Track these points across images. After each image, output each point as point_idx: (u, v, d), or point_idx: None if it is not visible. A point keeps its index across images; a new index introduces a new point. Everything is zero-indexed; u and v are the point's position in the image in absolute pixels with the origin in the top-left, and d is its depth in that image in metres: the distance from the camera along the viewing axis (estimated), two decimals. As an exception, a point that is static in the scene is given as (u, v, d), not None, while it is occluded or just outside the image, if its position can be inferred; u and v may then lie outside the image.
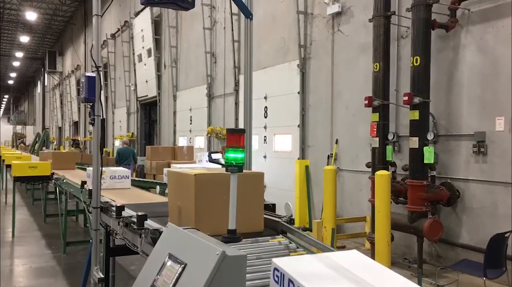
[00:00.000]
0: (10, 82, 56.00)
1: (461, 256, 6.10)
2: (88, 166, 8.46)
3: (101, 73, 4.11)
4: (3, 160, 15.08)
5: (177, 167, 8.07)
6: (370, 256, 6.66)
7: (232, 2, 4.00)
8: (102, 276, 3.90)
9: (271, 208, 6.22)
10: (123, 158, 12.11)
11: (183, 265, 1.90)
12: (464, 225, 6.29)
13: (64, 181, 7.36)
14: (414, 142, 6.22)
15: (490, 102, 5.99)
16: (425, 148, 6.13)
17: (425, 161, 6.13)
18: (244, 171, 3.36)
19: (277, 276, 1.83)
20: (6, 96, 65.58)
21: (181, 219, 3.21)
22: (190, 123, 14.66)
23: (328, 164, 8.43)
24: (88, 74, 4.05)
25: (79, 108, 30.22)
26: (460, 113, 6.37)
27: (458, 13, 6.36)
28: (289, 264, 1.83)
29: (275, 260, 1.85)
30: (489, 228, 5.77)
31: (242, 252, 1.87)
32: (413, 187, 6.22)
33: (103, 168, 6.15)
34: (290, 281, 1.73)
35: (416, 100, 6.11)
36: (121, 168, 6.65)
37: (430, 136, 6.21)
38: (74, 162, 10.19)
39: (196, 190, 3.00)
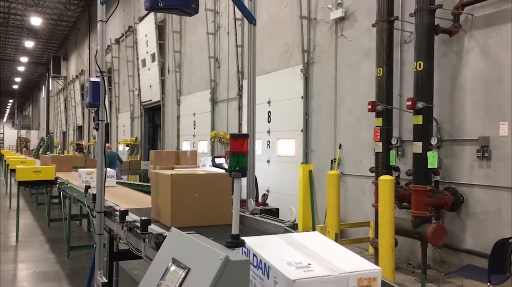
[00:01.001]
0: (15, 87, 56.28)
1: (465, 262, 6.07)
2: (80, 167, 9.18)
3: (105, 78, 4.13)
4: (7, 165, 15.14)
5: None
6: (374, 261, 6.64)
7: (236, 7, 4.02)
8: (106, 280, 3.90)
9: (274, 213, 6.22)
10: (111, 162, 12.50)
11: (186, 270, 1.91)
12: (468, 230, 6.27)
13: (68, 185, 7.38)
14: (418, 147, 6.22)
15: (494, 107, 5.98)
16: (428, 153, 6.13)
17: (429, 166, 6.12)
18: (208, 172, 3.94)
19: (244, 252, 2.26)
20: (11, 101, 65.88)
21: (160, 213, 3.71)
22: (194, 128, 14.69)
23: (331, 169, 8.42)
24: (92, 79, 4.07)
25: (83, 113, 30.34)
26: (463, 118, 6.36)
27: (462, 18, 6.37)
28: (254, 242, 2.26)
29: (244, 238, 2.29)
30: (493, 233, 5.75)
31: (245, 257, 1.88)
32: (416, 192, 6.20)
33: (91, 169, 7.36)
34: (254, 255, 2.15)
35: (420, 105, 6.11)
36: (108, 169, 6.89)
37: (433, 141, 6.20)
38: (71, 165, 10.62)
39: (172, 188, 3.50)
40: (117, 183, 7.27)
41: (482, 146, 6.06)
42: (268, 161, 10.59)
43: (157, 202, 3.83)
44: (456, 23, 6.36)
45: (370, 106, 6.89)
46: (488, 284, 4.67)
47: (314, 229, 8.37)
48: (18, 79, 52.35)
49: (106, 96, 4.17)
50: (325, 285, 1.95)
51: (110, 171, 6.78)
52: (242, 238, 2.30)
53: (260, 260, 2.10)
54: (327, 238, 2.55)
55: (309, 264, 2.02)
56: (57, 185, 8.37)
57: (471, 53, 6.31)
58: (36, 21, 29.28)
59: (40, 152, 23.11)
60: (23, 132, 56.35)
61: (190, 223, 3.32)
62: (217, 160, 2.94)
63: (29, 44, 35.67)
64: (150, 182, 4.52)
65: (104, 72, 4.07)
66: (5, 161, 18.99)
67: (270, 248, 2.20)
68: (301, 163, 9.33)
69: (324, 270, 2.00)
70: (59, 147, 33.99)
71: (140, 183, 9.96)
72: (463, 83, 6.38)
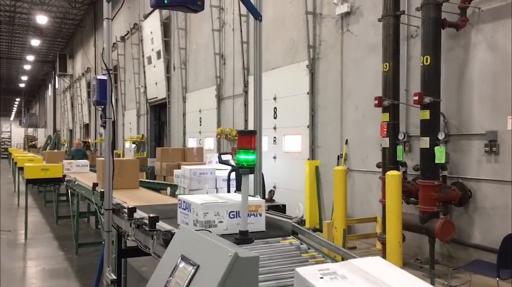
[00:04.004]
0: (22, 85, 56.54)
1: (473, 257, 6.05)
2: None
3: (112, 76, 4.14)
4: (15, 163, 15.24)
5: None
6: (381, 256, 6.63)
7: (241, 3, 4.01)
8: (115, 277, 3.92)
9: (281, 209, 6.22)
10: (76, 157, 13.35)
11: (195, 267, 1.91)
12: (476, 225, 6.24)
13: (76, 183, 7.42)
14: (425, 142, 6.19)
15: (502, 101, 5.94)
16: (436, 148, 6.09)
17: (436, 161, 6.09)
18: (126, 159, 5.80)
19: (180, 203, 3.37)
20: (18, 99, 66.21)
21: (99, 181, 5.72)
22: (200, 125, 14.71)
23: (338, 165, 8.40)
24: (99, 77, 4.07)
25: (89, 111, 30.43)
26: (471, 112, 6.32)
27: (468, 12, 6.31)
28: (189, 196, 3.42)
29: (180, 196, 3.49)
30: (502, 228, 5.72)
31: (254, 254, 1.88)
32: (424, 187, 6.18)
33: (71, 160, 10.36)
34: (184, 201, 3.31)
35: (427, 99, 6.08)
36: (83, 160, 10.46)
37: (441, 136, 6.17)
38: (63, 159, 11.46)
39: (103, 167, 5.13)
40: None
41: (490, 141, 6.02)
42: (274, 158, 10.59)
43: (100, 175, 5.89)
44: (463, 17, 6.30)
45: (376, 101, 6.86)
46: (497, 279, 4.65)
47: (321, 225, 8.36)
48: (24, 78, 52.59)
49: (113, 93, 4.18)
50: (223, 208, 3.09)
51: (84, 162, 9.95)
52: (179, 195, 3.46)
53: (188, 203, 3.23)
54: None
55: (217, 201, 3.12)
56: (65, 182, 8.42)
57: (478, 47, 6.26)
58: (41, 19, 29.35)
59: (46, 150, 23.25)
60: (30, 130, 56.65)
61: (114, 187, 4.70)
62: (224, 157, 3.03)
63: (35, 42, 35.77)
64: (96, 165, 6.61)
65: (111, 69, 4.08)
66: (13, 159, 19.12)
67: (198, 198, 3.27)
68: (308, 159, 9.32)
69: (223, 200, 3.18)
70: (66, 145, 34.12)
71: (147, 180, 10.01)
72: (471, 77, 6.34)
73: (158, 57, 17.49)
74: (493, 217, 6.02)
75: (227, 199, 3.23)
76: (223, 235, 2.65)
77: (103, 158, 5.94)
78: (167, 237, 2.90)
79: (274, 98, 10.52)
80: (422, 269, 6.34)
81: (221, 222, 3.06)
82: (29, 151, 27.92)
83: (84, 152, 16.27)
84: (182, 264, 2.01)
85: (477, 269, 5.23)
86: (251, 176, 3.01)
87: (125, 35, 21.67)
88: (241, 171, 2.29)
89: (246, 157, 2.26)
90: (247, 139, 2.28)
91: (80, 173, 8.89)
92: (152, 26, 17.82)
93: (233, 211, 3.11)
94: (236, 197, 3.35)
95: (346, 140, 8.55)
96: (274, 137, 10.62)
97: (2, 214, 11.48)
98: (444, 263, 6.50)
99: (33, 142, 38.36)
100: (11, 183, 19.04)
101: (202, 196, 3.43)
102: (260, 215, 3.21)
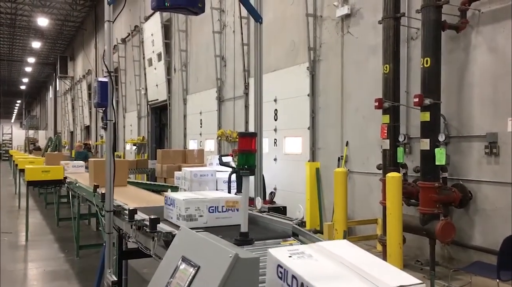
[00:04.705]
0: (23, 87, 56.63)
1: (474, 258, 6.05)
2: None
3: (113, 78, 4.15)
4: (16, 165, 15.26)
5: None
6: (382, 258, 6.63)
7: (242, 6, 4.03)
8: (116, 279, 3.93)
9: (282, 210, 6.22)
10: (79, 160, 13.77)
11: (196, 268, 1.92)
12: (477, 227, 6.25)
13: (77, 185, 7.43)
14: (425, 143, 6.19)
15: (502, 102, 5.95)
16: (436, 150, 6.10)
17: (437, 163, 6.10)
18: (115, 159, 5.49)
19: (166, 199, 3.71)
20: (19, 101, 66.32)
21: (91, 180, 6.56)
22: (200, 127, 14.72)
23: (338, 166, 8.41)
24: (100, 79, 4.09)
25: (90, 113, 30.47)
26: (471, 114, 6.33)
27: (468, 14, 6.33)
28: (174, 194, 3.71)
29: (166, 193, 3.88)
30: (502, 230, 5.72)
31: (255, 255, 1.89)
32: (424, 188, 6.19)
33: (68, 161, 10.90)
34: (169, 198, 3.66)
35: (427, 101, 6.09)
36: (79, 161, 11.06)
37: (441, 138, 6.17)
38: (60, 161, 11.30)
39: (94, 167, 6.68)
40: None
41: (490, 142, 6.03)
42: (275, 159, 10.60)
43: (91, 174, 6.79)
44: (463, 19, 6.32)
45: (377, 103, 6.87)
46: (497, 280, 4.65)
47: (321, 227, 8.37)
48: (25, 80, 52.69)
49: (114, 95, 4.20)
50: (203, 203, 3.42)
51: (80, 162, 10.50)
52: (166, 193, 3.69)
53: (172, 199, 3.57)
54: (221, 192, 4.53)
55: (198, 197, 3.50)
56: (66, 184, 8.43)
57: (478, 49, 6.28)
58: (42, 21, 29.43)
59: (47, 152, 23.26)
60: (31, 132, 56.70)
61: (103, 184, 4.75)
62: (224, 159, 3.07)
63: (36, 44, 35.87)
64: (89, 166, 7.33)
65: (112, 72, 4.10)
66: (13, 161, 19.16)
67: (181, 195, 3.64)
68: (308, 161, 9.33)
69: (203, 197, 3.53)
70: (67, 147, 34.15)
71: (148, 182, 10.03)
72: (471, 79, 6.35)
73: (159, 59, 17.53)
74: (494, 219, 6.03)
75: (207, 196, 3.57)
76: (203, 228, 2.93)
77: (95, 159, 6.43)
78: (167, 239, 2.91)
79: (275, 100, 10.53)
80: (423, 270, 6.34)
81: (201, 216, 3.38)
82: (31, 153, 27.86)
83: (86, 154, 16.50)
84: (183, 265, 2.02)
85: (478, 270, 5.23)
86: (252, 178, 3.02)
87: (126, 37, 21.71)
88: (242, 173, 2.30)
89: (246, 158, 2.27)
90: (248, 141, 2.29)
91: (77, 174, 9.11)
92: (152, 28, 17.86)
93: (212, 206, 3.43)
94: (215, 194, 3.84)
95: (347, 142, 8.56)
96: (275, 139, 10.63)
97: (3, 216, 11.50)
98: (445, 265, 6.50)
99: (37, 144, 38.26)
100: (12, 185, 19.06)
101: (185, 193, 3.84)
102: (237, 210, 3.52)
